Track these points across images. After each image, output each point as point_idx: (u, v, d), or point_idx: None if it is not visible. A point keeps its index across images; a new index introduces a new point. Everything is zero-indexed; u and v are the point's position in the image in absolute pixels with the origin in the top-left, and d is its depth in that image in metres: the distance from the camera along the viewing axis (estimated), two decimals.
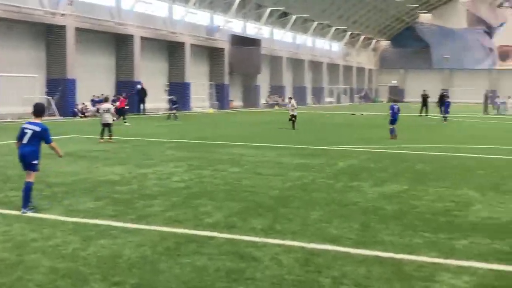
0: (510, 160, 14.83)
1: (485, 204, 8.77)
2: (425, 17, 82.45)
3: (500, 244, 6.50)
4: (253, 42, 51.09)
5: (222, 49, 47.36)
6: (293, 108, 25.28)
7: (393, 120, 20.59)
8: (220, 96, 47.15)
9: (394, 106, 21.18)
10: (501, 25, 79.30)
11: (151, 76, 39.87)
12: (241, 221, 7.47)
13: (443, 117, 31.90)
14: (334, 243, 6.44)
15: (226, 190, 9.72)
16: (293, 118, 24.84)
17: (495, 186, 10.42)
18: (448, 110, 32.23)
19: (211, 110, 43.22)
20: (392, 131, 20.42)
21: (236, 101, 51.61)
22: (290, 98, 28.35)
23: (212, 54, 47.65)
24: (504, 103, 45.26)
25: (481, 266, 5.71)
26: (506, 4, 79.21)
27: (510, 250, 6.27)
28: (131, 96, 32.64)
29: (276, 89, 57.91)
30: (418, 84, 69.29)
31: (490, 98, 47.59)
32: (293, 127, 24.36)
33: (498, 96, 47.96)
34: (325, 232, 6.95)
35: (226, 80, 48.18)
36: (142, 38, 38.03)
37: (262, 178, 11.05)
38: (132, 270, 5.49)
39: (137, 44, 37.43)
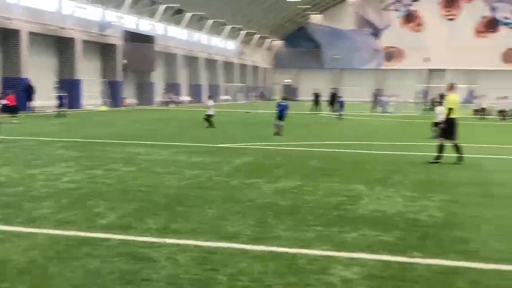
0: (395, 155, 15.65)
1: (373, 197, 9.19)
2: (316, 18, 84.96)
3: (387, 235, 6.84)
4: (147, 39, 50.27)
5: (114, 46, 46.19)
6: (210, 107, 24.90)
7: (280, 117, 21.32)
8: (113, 93, 45.98)
9: (281, 103, 21.94)
10: (387, 27, 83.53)
11: (40, 72, 38.14)
12: (136, 221, 7.33)
13: (338, 115, 33.01)
14: (230, 240, 6.49)
15: (120, 190, 9.50)
16: (209, 118, 24.44)
17: (382, 180, 10.95)
18: (343, 108, 33.46)
19: (104, 108, 42.08)
20: (276, 126, 21.07)
21: (130, 99, 50.51)
22: (210, 96, 28.43)
23: (104, 50, 46.36)
24: (387, 102, 47.36)
25: (370, 257, 5.98)
26: (391, 7, 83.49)
27: (396, 241, 6.62)
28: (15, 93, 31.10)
29: (171, 87, 57.37)
30: (311, 83, 71.45)
31: (376, 96, 49.86)
32: (210, 126, 24.07)
33: (384, 95, 50.31)
34: (222, 230, 6.99)
35: (120, 77, 47.07)
36: (30, 33, 36.26)
37: (157, 176, 10.92)
38: (22, 275, 5.24)
39: (24, 40, 35.63)
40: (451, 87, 14.28)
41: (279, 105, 21.68)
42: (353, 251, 6.18)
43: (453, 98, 13.91)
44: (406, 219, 7.76)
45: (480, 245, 6.49)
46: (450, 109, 13.66)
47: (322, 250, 6.21)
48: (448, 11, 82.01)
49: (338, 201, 8.81)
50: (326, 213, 8.01)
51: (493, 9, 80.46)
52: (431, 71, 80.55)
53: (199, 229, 6.99)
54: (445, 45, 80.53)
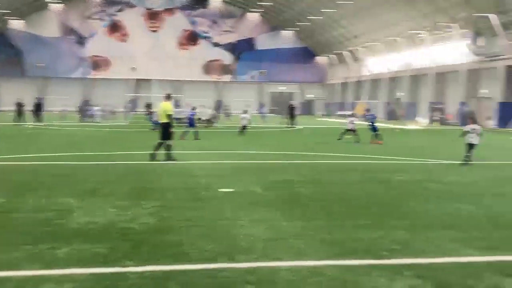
0: (103, 164, 15.50)
1: (84, 210, 8.93)
2: (17, 24, 79.83)
3: (100, 247, 6.71)
4: None
5: None
6: None
7: None
8: None
9: None
10: (92, 35, 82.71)
11: None
12: None
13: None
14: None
15: None
16: None
17: (93, 191, 10.73)
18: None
19: None
20: None
21: None
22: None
23: None
24: (95, 111, 46.79)
25: (82, 271, 5.79)
26: (95, 16, 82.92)
27: (108, 252, 6.53)
28: None
29: None
30: (12, 93, 66.67)
31: (83, 105, 48.98)
32: None
33: (92, 105, 49.79)
34: None
35: None
36: None
37: None
38: None
39: None
40: (168, 97, 16.64)
41: None
42: (65, 267, 5.91)
43: (167, 106, 16.19)
44: (118, 228, 7.73)
45: (190, 247, 6.80)
46: (168, 115, 15.97)
47: (32, 269, 5.80)
48: (152, 23, 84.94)
49: (47, 217, 8.35)
50: (35, 230, 7.52)
51: (193, 23, 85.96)
52: (138, 81, 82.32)
53: None
54: (150, 56, 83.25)
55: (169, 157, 15.97)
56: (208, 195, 10.61)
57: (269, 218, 8.53)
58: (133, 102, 68.53)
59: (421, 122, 57.37)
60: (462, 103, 53.97)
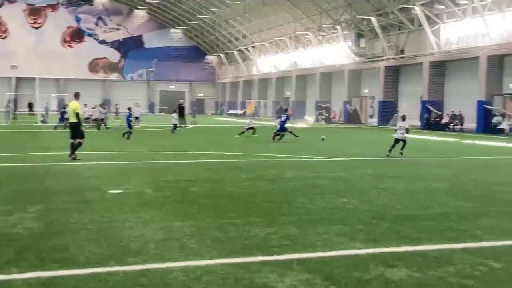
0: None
1: None
2: None
3: None
4: None
5: None
6: None
7: None
8: None
9: None
10: None
11: None
12: None
13: None
14: None
15: None
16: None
17: None
18: None
19: None
20: None
21: None
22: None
23: None
24: None
25: None
26: None
27: None
28: None
29: None
30: None
31: None
32: None
33: None
34: None
35: None
36: None
37: None
38: None
39: None
40: (76, 95, 16.76)
41: None
42: None
43: (76, 105, 16.28)
44: (1, 234, 7.30)
45: (78, 251, 6.55)
46: (76, 114, 16.17)
47: None
48: (34, 19, 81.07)
49: None
50: None
51: (78, 19, 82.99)
52: (19, 79, 78.20)
53: None
54: (32, 53, 79.34)
55: (72, 155, 16.12)
56: (97, 197, 10.30)
57: (161, 218, 8.43)
58: (14, 102, 64.97)
59: (309, 120, 59.19)
60: (346, 102, 56.29)
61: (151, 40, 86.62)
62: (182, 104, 43.82)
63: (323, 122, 56.69)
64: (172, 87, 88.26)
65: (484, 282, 5.60)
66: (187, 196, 10.51)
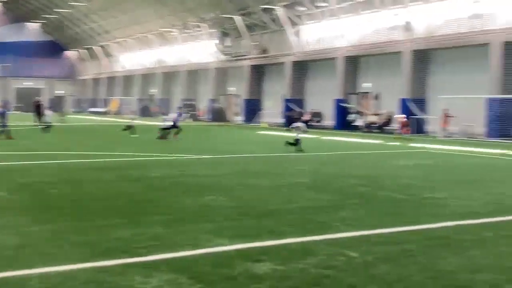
0: None
1: None
2: None
3: None
4: None
5: None
6: None
7: None
8: None
9: None
10: None
11: None
12: None
13: None
14: None
15: None
16: None
17: None
18: None
19: None
20: None
21: None
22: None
23: None
24: None
25: None
26: None
27: None
28: None
29: None
30: None
31: None
32: None
33: None
34: None
35: None
36: None
37: None
38: None
39: None
40: None
41: None
42: None
43: None
44: None
45: None
46: None
47: None
48: None
49: None
50: None
51: None
52: None
53: None
54: None
55: None
56: None
57: (17, 224, 7.91)
58: None
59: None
60: (212, 100, 56.70)
61: (6, 34, 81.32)
62: (40, 102, 41.56)
63: (189, 119, 56.60)
64: (29, 83, 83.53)
65: (342, 271, 5.88)
66: (46, 199, 9.98)
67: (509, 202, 10.39)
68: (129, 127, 29.05)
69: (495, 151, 22.61)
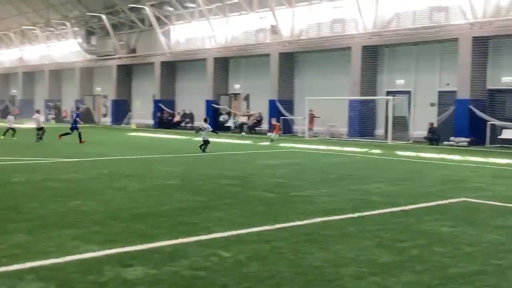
0: None
1: None
2: None
3: None
4: None
5: None
6: None
7: None
8: None
9: None
10: None
11: None
12: None
13: None
14: None
15: None
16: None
17: None
18: None
19: None
20: None
21: None
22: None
23: None
24: None
25: None
26: None
27: None
28: None
29: None
30: None
31: None
32: None
33: None
34: None
35: None
36: None
37: None
38: None
39: None
40: None
41: None
42: None
43: None
44: None
45: None
46: None
47: None
48: None
49: None
50: None
51: None
52: None
53: None
54: None
55: None
56: None
57: None
58: None
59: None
60: (77, 101, 54.68)
61: None
62: None
63: (52, 121, 54.07)
64: None
65: (215, 272, 5.93)
66: None
67: (370, 198, 11.05)
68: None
69: (356, 149, 23.98)
